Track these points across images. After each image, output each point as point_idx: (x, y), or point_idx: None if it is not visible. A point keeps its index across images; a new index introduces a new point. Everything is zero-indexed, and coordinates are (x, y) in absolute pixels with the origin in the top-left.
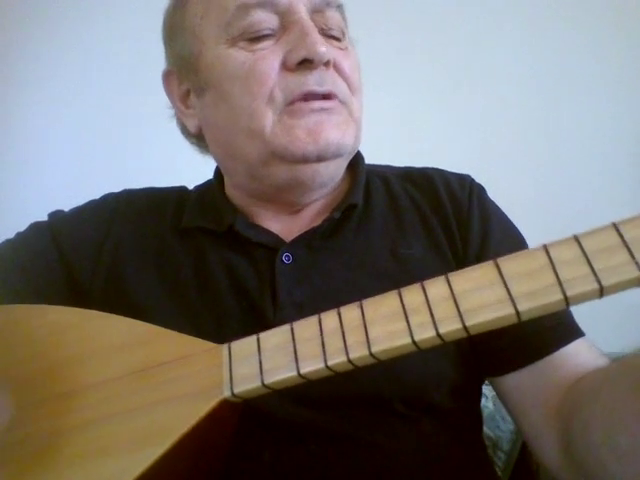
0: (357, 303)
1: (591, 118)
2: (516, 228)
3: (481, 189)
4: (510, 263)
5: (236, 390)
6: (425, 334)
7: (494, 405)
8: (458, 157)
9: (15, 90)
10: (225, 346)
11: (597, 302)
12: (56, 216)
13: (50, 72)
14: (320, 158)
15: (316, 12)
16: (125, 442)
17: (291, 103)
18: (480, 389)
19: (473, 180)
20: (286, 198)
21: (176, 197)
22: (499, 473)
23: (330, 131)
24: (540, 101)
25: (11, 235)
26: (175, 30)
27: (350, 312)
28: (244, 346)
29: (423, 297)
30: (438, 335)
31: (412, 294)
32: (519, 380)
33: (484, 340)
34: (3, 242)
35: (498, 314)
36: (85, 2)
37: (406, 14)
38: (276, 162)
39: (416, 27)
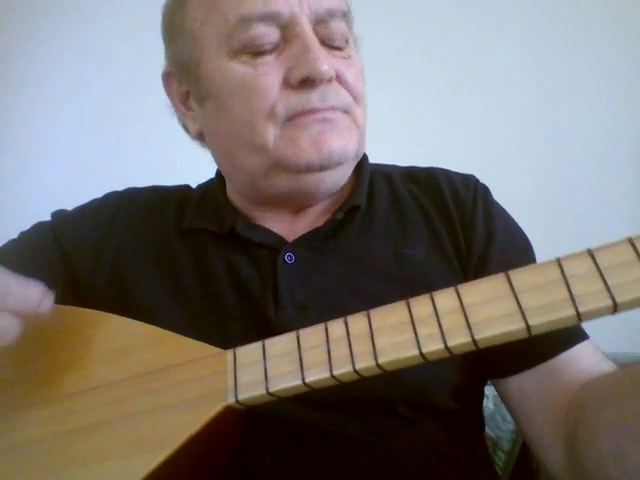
0: (364, 312)
1: (591, 118)
2: (520, 229)
3: (486, 190)
4: (522, 276)
5: (240, 397)
6: (433, 346)
7: (494, 405)
8: (458, 157)
9: (15, 90)
10: (230, 352)
11: None
12: (59, 215)
13: (50, 72)
14: (323, 167)
15: (319, 23)
16: (128, 446)
17: (293, 118)
18: (482, 391)
19: (478, 180)
20: (289, 203)
21: (179, 196)
22: (499, 473)
23: (333, 140)
24: (540, 101)
25: (11, 235)
26: (174, 30)
27: (357, 321)
28: (249, 353)
29: (432, 308)
30: (446, 348)
31: (420, 305)
32: (523, 383)
33: None
34: (7, 242)
35: (508, 328)
36: (85, 2)
37: (406, 15)
38: (279, 172)
39: (416, 28)
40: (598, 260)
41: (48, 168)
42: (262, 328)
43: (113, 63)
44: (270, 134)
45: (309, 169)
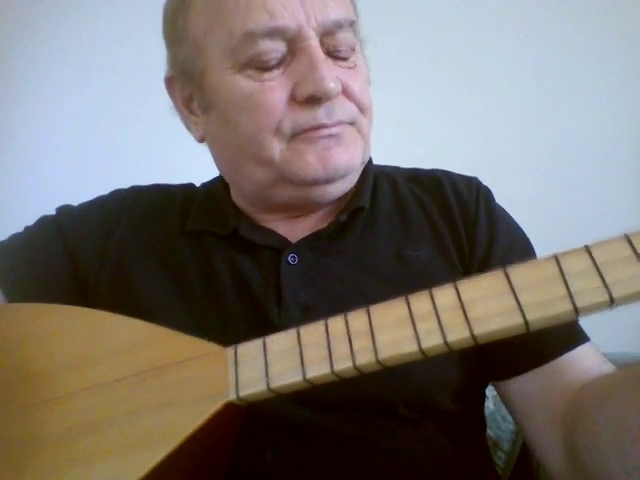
0: (364, 309)
1: (591, 118)
2: (522, 231)
3: (488, 192)
4: (520, 272)
5: (241, 393)
6: (432, 341)
7: (494, 405)
8: (458, 157)
9: (16, 90)
10: (231, 349)
11: None
12: (64, 210)
13: (51, 72)
14: (329, 181)
15: (327, 34)
16: (129, 444)
17: (299, 133)
18: (484, 392)
19: (480, 183)
20: (294, 209)
21: (183, 195)
22: (499, 473)
23: (340, 156)
24: (540, 101)
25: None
26: (177, 34)
27: (357, 318)
28: (250, 349)
29: (431, 304)
30: (445, 343)
31: (420, 301)
32: (524, 384)
33: (489, 343)
34: (11, 236)
35: (507, 323)
36: (86, 2)
37: (407, 15)
38: (285, 184)
39: (417, 28)
40: (595, 256)
41: (49, 168)
42: (265, 329)
43: (114, 63)
44: (276, 149)
45: (315, 183)
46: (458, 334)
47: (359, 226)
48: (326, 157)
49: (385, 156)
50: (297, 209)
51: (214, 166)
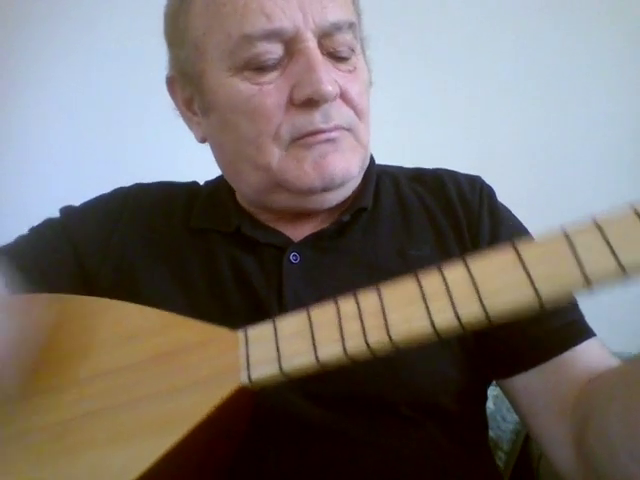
0: (374, 287)
1: (591, 118)
2: (526, 229)
3: (491, 191)
4: (530, 247)
5: (253, 376)
6: (444, 317)
7: (494, 405)
8: (458, 157)
9: (16, 90)
10: (241, 331)
11: (600, 302)
12: (68, 210)
13: (52, 72)
14: (326, 190)
15: (325, 36)
16: (140, 429)
17: (297, 139)
18: (486, 392)
19: (484, 182)
20: (293, 213)
21: (186, 193)
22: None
23: (336, 164)
24: (540, 101)
25: (12, 235)
26: (178, 35)
27: (368, 296)
28: (261, 331)
29: (442, 281)
30: (458, 318)
31: (430, 277)
32: (529, 381)
33: (492, 340)
34: (17, 237)
35: (518, 296)
36: (86, 2)
37: (407, 15)
38: (282, 191)
39: (417, 28)
40: (606, 231)
41: (49, 168)
42: None
43: (115, 63)
44: (275, 156)
45: (311, 192)
46: (470, 308)
47: (361, 226)
48: (322, 165)
49: (385, 156)
50: (296, 214)
51: (216, 166)
